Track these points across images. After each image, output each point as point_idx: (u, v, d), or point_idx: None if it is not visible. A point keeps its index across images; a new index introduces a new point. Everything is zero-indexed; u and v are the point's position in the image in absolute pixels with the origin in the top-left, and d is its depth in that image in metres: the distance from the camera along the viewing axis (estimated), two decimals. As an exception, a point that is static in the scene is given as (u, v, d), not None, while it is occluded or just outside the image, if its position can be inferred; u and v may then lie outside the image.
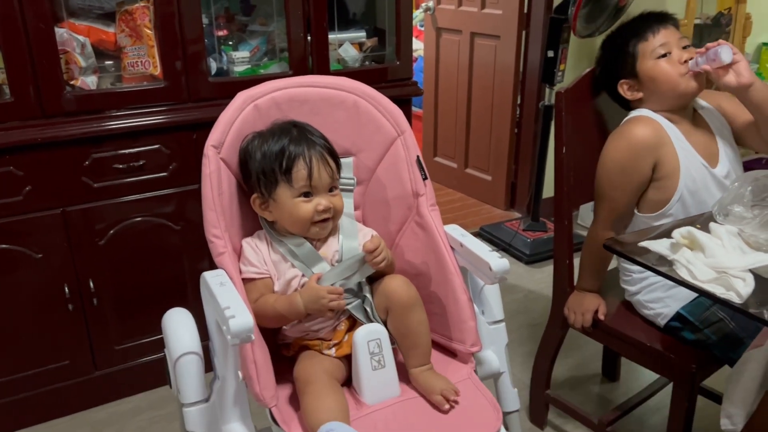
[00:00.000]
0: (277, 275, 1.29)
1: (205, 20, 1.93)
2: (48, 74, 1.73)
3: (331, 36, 2.13)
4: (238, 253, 1.31)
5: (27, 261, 1.81)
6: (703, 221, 1.39)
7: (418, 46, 4.03)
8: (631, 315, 1.69)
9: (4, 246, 1.78)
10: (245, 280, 1.27)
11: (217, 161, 1.28)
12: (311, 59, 2.08)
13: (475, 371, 1.34)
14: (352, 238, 1.35)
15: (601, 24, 2.79)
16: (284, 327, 1.31)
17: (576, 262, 1.75)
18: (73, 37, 1.79)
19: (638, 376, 2.19)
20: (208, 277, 1.21)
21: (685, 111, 1.62)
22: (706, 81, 1.57)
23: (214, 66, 2.02)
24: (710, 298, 1.20)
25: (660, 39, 1.58)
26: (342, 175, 1.39)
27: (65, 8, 1.81)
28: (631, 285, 1.68)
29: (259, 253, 1.30)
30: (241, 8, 2.17)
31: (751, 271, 1.20)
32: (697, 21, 3.34)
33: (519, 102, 3.37)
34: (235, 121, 1.31)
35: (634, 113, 1.63)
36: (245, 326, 1.07)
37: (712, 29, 3.43)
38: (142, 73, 1.90)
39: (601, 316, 1.68)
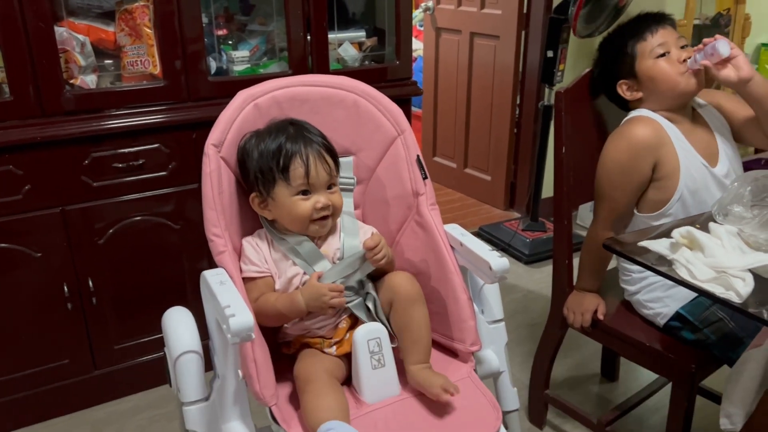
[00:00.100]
0: (278, 273, 1.29)
1: (204, 19, 1.93)
2: (47, 73, 1.73)
3: (331, 35, 2.13)
4: (238, 252, 1.31)
5: (26, 260, 1.81)
6: (702, 221, 1.39)
7: (417, 46, 4.03)
8: (630, 315, 1.69)
9: (3, 245, 1.78)
10: (246, 279, 1.27)
11: (218, 160, 1.28)
12: (311, 59, 2.08)
13: (475, 370, 1.34)
14: (354, 236, 1.35)
15: (600, 24, 2.79)
16: (285, 325, 1.31)
17: (575, 262, 1.75)
18: (72, 36, 1.79)
19: (637, 376, 2.19)
20: (208, 275, 1.21)
21: (685, 110, 1.62)
22: (706, 80, 1.58)
23: (213, 65, 2.02)
24: (710, 297, 1.21)
25: (658, 39, 1.58)
26: (342, 174, 1.39)
27: (65, 7, 1.81)
28: (630, 285, 1.68)
29: (259, 252, 1.30)
30: (241, 8, 2.17)
31: (750, 270, 1.20)
32: (696, 21, 3.34)
33: (518, 102, 3.38)
34: (236, 119, 1.31)
35: (633, 113, 1.64)
36: (245, 325, 1.07)
37: (711, 30, 3.43)
38: (142, 72, 1.90)
39: (601, 316, 1.68)
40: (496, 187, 3.60)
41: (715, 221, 1.36)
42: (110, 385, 2.06)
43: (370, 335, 1.24)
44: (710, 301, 1.51)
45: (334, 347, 1.29)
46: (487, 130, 3.55)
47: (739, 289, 1.16)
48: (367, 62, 2.31)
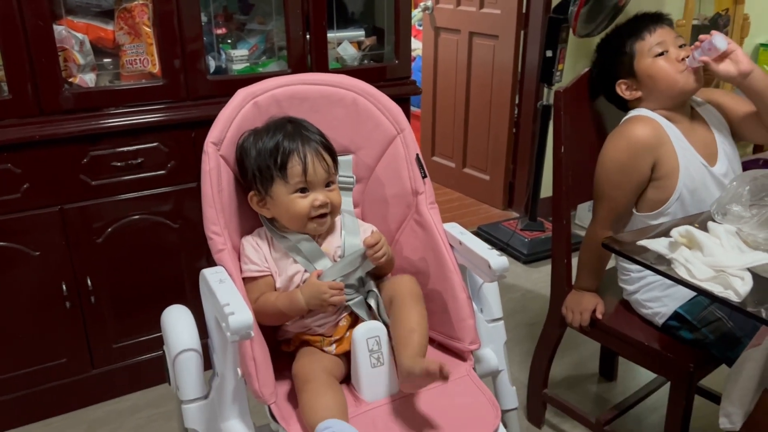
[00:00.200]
0: (278, 272, 1.29)
1: (203, 18, 1.93)
2: (46, 72, 1.73)
3: (330, 34, 2.14)
4: (238, 251, 1.31)
5: (25, 259, 1.81)
6: (701, 220, 1.39)
7: (416, 45, 4.03)
8: (629, 314, 1.69)
9: (1, 244, 1.77)
10: (246, 279, 1.27)
11: (217, 158, 1.28)
12: (310, 58, 2.08)
13: (474, 369, 1.34)
14: (354, 235, 1.35)
15: (599, 24, 2.79)
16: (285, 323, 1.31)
17: (574, 261, 1.75)
18: (71, 35, 1.79)
19: (636, 376, 2.19)
20: (208, 274, 1.21)
21: (684, 109, 1.62)
22: (705, 79, 1.58)
23: (212, 64, 2.02)
24: (708, 296, 1.21)
25: (657, 38, 1.59)
26: (341, 173, 1.39)
27: (64, 5, 1.81)
28: (629, 284, 1.68)
29: (259, 251, 1.29)
30: (240, 7, 2.17)
31: (749, 269, 1.21)
32: (695, 22, 3.34)
33: (517, 102, 3.38)
34: (235, 118, 1.31)
35: (633, 113, 1.64)
36: (245, 323, 1.07)
37: (710, 30, 3.43)
38: (141, 71, 1.90)
39: (599, 316, 1.68)
40: (494, 186, 3.60)
41: (713, 220, 1.37)
42: (108, 384, 2.06)
43: (370, 333, 1.24)
44: (708, 300, 1.52)
45: (334, 345, 1.28)
46: (485, 129, 3.55)
47: (738, 288, 1.16)
48: (366, 61, 2.31)
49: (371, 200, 1.46)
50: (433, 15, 3.70)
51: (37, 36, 1.69)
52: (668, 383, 1.59)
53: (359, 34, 2.30)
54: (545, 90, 2.95)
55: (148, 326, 2.03)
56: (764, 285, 1.19)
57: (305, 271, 1.28)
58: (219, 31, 2.07)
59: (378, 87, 1.45)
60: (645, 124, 1.57)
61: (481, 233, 3.25)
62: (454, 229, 1.38)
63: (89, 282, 1.91)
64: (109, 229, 1.90)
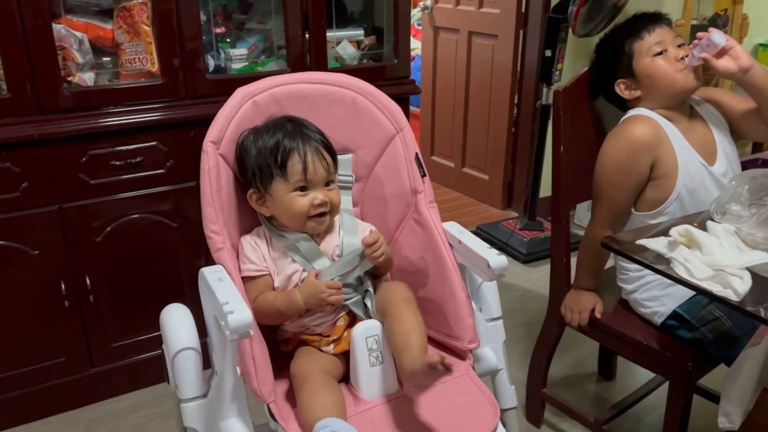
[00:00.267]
0: (276, 271, 1.29)
1: (202, 17, 1.93)
2: (45, 70, 1.72)
3: (329, 34, 2.13)
4: (237, 249, 1.31)
5: (23, 257, 1.81)
6: (700, 220, 1.39)
7: (415, 45, 4.02)
8: (627, 313, 1.69)
9: (0, 242, 1.77)
10: (245, 279, 1.27)
11: (216, 157, 1.28)
12: (309, 57, 2.08)
13: (473, 368, 1.34)
14: (353, 234, 1.35)
15: (598, 23, 2.80)
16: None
17: (573, 261, 1.75)
18: (70, 34, 1.79)
19: (634, 375, 2.20)
20: (207, 272, 1.21)
21: (683, 108, 1.63)
22: (704, 78, 1.58)
23: (211, 63, 2.02)
24: (707, 295, 1.21)
25: (655, 37, 1.59)
26: (340, 172, 1.39)
27: (63, 4, 1.80)
28: (627, 283, 1.68)
29: (258, 251, 1.29)
30: (239, 6, 2.17)
31: (748, 269, 1.21)
32: (694, 22, 3.35)
33: (516, 101, 3.38)
34: (234, 117, 1.31)
35: (632, 112, 1.64)
36: (244, 321, 1.07)
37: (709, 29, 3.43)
38: (140, 70, 1.89)
39: (598, 315, 1.68)
40: (493, 186, 3.60)
41: (713, 220, 1.37)
42: (107, 383, 2.05)
43: (369, 332, 1.24)
44: (707, 299, 1.52)
45: (332, 345, 1.28)
46: (485, 129, 3.55)
47: (737, 287, 1.16)
48: (365, 61, 2.31)
49: (370, 199, 1.46)
50: (432, 14, 3.71)
51: (36, 35, 1.69)
52: (667, 382, 1.59)
53: (358, 33, 2.30)
54: (544, 89, 2.95)
55: (147, 325, 2.03)
56: (763, 284, 1.19)
57: (303, 270, 1.28)
58: (218, 30, 2.07)
59: (377, 86, 1.45)
60: (644, 124, 1.57)
61: (480, 233, 3.25)
62: (454, 228, 1.38)
63: (88, 281, 1.91)
64: (108, 228, 1.90)
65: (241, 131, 1.32)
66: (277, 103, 1.36)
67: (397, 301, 1.26)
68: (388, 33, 2.28)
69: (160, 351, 1.31)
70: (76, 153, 1.81)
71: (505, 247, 3.08)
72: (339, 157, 1.37)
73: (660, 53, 1.58)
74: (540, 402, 1.93)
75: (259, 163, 1.26)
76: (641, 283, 1.64)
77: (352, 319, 1.30)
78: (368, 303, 1.30)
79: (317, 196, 1.26)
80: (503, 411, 1.42)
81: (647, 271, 1.57)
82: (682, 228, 1.29)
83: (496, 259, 1.27)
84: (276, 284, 1.29)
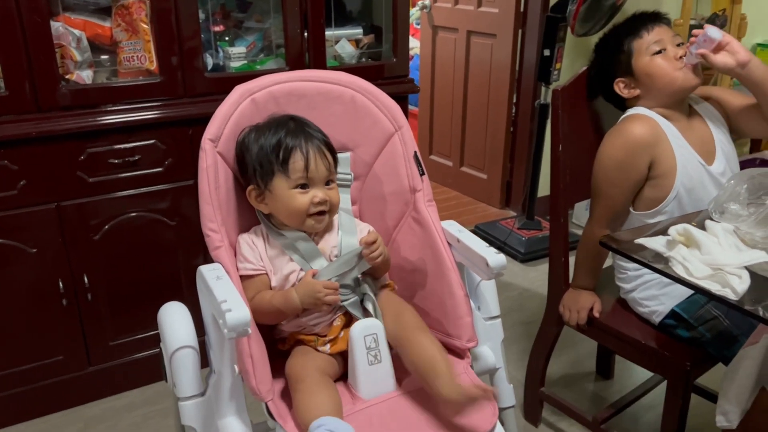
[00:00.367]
0: (273, 270, 1.29)
1: (201, 16, 1.93)
2: (43, 68, 1.72)
3: (328, 32, 2.13)
4: (235, 248, 1.31)
5: (21, 256, 1.81)
6: (699, 219, 1.39)
7: (414, 44, 4.03)
8: (626, 313, 1.70)
9: (-2, 240, 1.77)
10: (242, 277, 1.27)
11: (214, 155, 1.27)
12: (308, 55, 2.08)
13: (471, 366, 1.34)
14: (351, 235, 1.34)
15: (597, 22, 2.80)
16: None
17: (571, 260, 1.75)
18: (68, 31, 1.78)
19: (632, 374, 2.20)
20: (205, 270, 1.21)
21: (682, 107, 1.63)
22: (703, 76, 1.58)
23: (210, 61, 2.01)
24: (706, 294, 1.21)
25: (654, 36, 1.59)
26: (339, 170, 1.39)
27: (61, 2, 1.80)
28: (626, 283, 1.68)
29: (255, 250, 1.29)
30: (237, 4, 2.16)
31: (746, 268, 1.21)
32: (692, 22, 3.35)
33: (515, 100, 3.38)
34: (232, 114, 1.31)
35: (631, 111, 1.64)
36: (242, 320, 1.07)
37: (707, 29, 3.43)
38: (138, 68, 1.89)
39: (596, 314, 1.68)
40: (492, 185, 3.60)
41: (711, 219, 1.37)
42: (105, 382, 2.05)
43: (367, 331, 1.23)
44: (705, 299, 1.52)
45: (328, 345, 1.28)
46: (483, 128, 3.55)
47: (736, 286, 1.16)
48: (364, 59, 2.31)
49: (369, 197, 1.46)
50: (431, 13, 3.70)
51: (35, 32, 1.69)
52: (665, 381, 1.59)
53: (357, 32, 2.30)
54: (543, 89, 2.96)
55: (145, 324, 2.03)
56: (761, 283, 1.19)
57: (301, 269, 1.28)
58: (217, 29, 2.06)
59: (376, 85, 1.45)
60: (642, 123, 1.57)
61: (478, 232, 3.25)
62: (452, 227, 1.38)
63: (86, 279, 1.90)
64: (106, 227, 1.90)
65: (239, 129, 1.31)
66: (275, 101, 1.36)
67: (411, 327, 1.26)
68: (387, 32, 2.28)
69: (158, 349, 1.31)
70: (74, 151, 1.81)
71: (503, 246, 3.08)
72: (338, 155, 1.37)
73: (659, 52, 1.58)
74: (538, 401, 1.93)
75: (261, 160, 1.26)
76: (639, 282, 1.64)
77: (349, 320, 1.30)
78: (369, 308, 1.29)
79: (317, 194, 1.26)
80: (501, 410, 1.42)
81: (645, 270, 1.57)
82: (680, 227, 1.29)
83: (495, 257, 1.27)
84: (273, 283, 1.29)
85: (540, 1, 3.09)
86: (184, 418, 1.23)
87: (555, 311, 1.78)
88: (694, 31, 1.52)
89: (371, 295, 1.31)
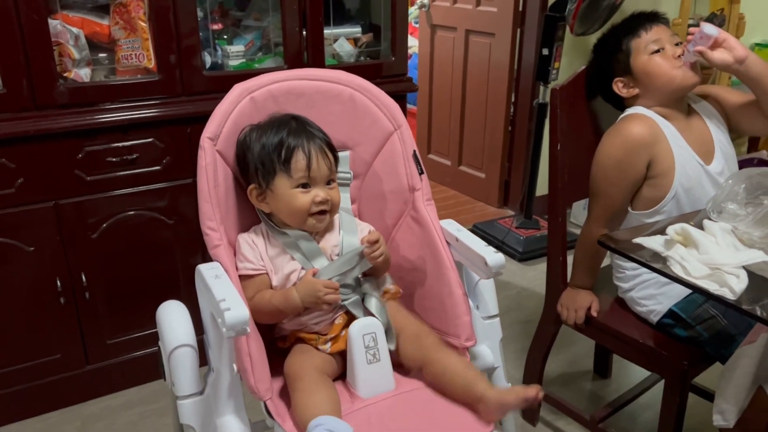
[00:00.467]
0: (274, 270, 1.29)
1: (199, 14, 1.92)
2: (41, 66, 1.72)
3: (327, 31, 2.13)
4: (234, 246, 1.31)
5: (19, 254, 1.80)
6: (697, 219, 1.39)
7: (412, 43, 4.03)
8: (623, 312, 1.70)
9: (-5, 238, 1.77)
10: (242, 277, 1.27)
11: (213, 153, 1.27)
12: (306, 54, 2.08)
13: (470, 366, 1.34)
14: (352, 234, 1.35)
15: (595, 21, 2.80)
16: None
17: (569, 259, 1.75)
18: (66, 29, 1.78)
19: (630, 373, 2.20)
20: (204, 269, 1.21)
21: (681, 106, 1.63)
22: (702, 75, 1.58)
23: (208, 60, 2.01)
24: (704, 294, 1.21)
25: (652, 35, 1.59)
26: (338, 169, 1.39)
27: (59, 0, 1.80)
28: (624, 282, 1.69)
29: (255, 249, 1.29)
30: (236, 3, 2.16)
31: (744, 267, 1.21)
32: (691, 21, 3.35)
33: (513, 100, 3.38)
34: (231, 113, 1.31)
35: (629, 111, 1.64)
36: (240, 319, 1.07)
37: (705, 29, 3.43)
38: (136, 66, 1.89)
39: (594, 313, 1.68)
40: (490, 184, 3.60)
41: (709, 218, 1.37)
42: (102, 380, 2.05)
43: (366, 330, 1.23)
44: (703, 298, 1.52)
45: (329, 344, 1.28)
46: (481, 127, 3.55)
47: (733, 285, 1.17)
48: (362, 58, 2.31)
49: (368, 196, 1.46)
50: (430, 12, 3.70)
51: (32, 30, 1.68)
52: (662, 381, 1.59)
53: (356, 30, 2.30)
54: (541, 88, 2.96)
55: (143, 322, 2.03)
56: (759, 283, 1.20)
57: (302, 268, 1.28)
58: (215, 27, 2.06)
59: (374, 84, 1.45)
60: (641, 122, 1.57)
61: (476, 231, 3.25)
62: (451, 226, 1.38)
63: (84, 278, 1.90)
64: (104, 225, 1.89)
65: (238, 128, 1.31)
66: (274, 99, 1.36)
67: (433, 347, 1.27)
68: (386, 30, 2.28)
69: (155, 348, 1.31)
70: (72, 149, 1.80)
71: (501, 245, 3.08)
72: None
73: (657, 51, 1.58)
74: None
75: (263, 159, 1.26)
76: (637, 281, 1.64)
77: (351, 319, 1.29)
78: (372, 308, 1.29)
79: (319, 193, 1.26)
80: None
81: (643, 270, 1.57)
82: (678, 226, 1.30)
83: (494, 256, 1.27)
84: (274, 283, 1.29)
85: (539, 0, 3.09)
86: (182, 416, 1.23)
87: (553, 310, 1.78)
88: (691, 29, 1.52)
89: (372, 294, 1.31)
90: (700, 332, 1.54)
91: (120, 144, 1.86)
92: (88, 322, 1.96)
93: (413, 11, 4.18)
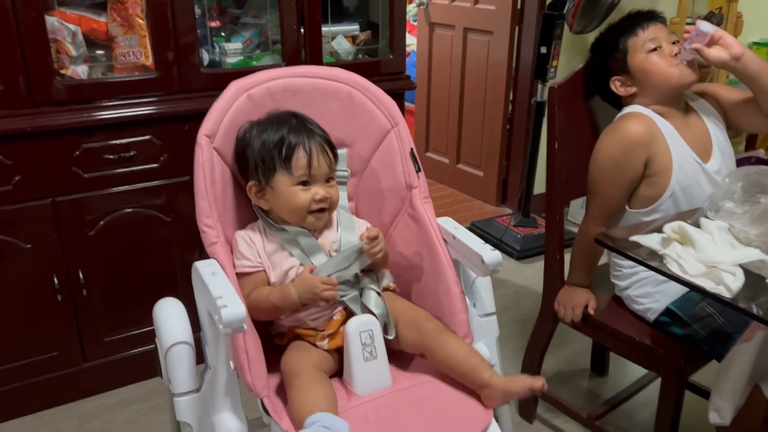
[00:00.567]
0: (272, 267, 1.29)
1: (197, 11, 1.92)
2: (38, 63, 1.71)
3: (325, 29, 2.13)
4: (230, 244, 1.31)
5: (16, 251, 1.80)
6: (695, 218, 1.39)
7: (411, 41, 4.02)
8: (620, 310, 1.70)
9: (-8, 236, 1.76)
10: (239, 275, 1.27)
11: (210, 150, 1.27)
12: (304, 52, 2.08)
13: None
14: (350, 231, 1.35)
15: (593, 19, 2.80)
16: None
17: (567, 257, 1.75)
18: (63, 26, 1.78)
19: (627, 371, 2.20)
20: (200, 266, 1.21)
21: (678, 104, 1.63)
22: (700, 74, 1.58)
23: (206, 57, 2.01)
24: (700, 292, 1.21)
25: (649, 34, 1.59)
26: (336, 167, 1.39)
27: (56, -4, 1.80)
28: (621, 280, 1.69)
29: (252, 246, 1.29)
30: (234, 0, 2.16)
31: (740, 265, 1.21)
32: (689, 20, 3.35)
33: (511, 98, 3.38)
34: (229, 110, 1.31)
35: (627, 109, 1.64)
36: (237, 316, 1.07)
37: (703, 27, 3.43)
38: (134, 63, 1.88)
39: (591, 311, 1.69)
40: (488, 182, 3.60)
41: (706, 217, 1.37)
42: (100, 378, 2.05)
43: (363, 327, 1.24)
44: (700, 296, 1.52)
45: (327, 340, 1.28)
46: (479, 125, 3.55)
47: (730, 284, 1.17)
48: (360, 56, 2.30)
49: (365, 194, 1.46)
50: (428, 10, 3.70)
51: (29, 27, 1.68)
52: (659, 379, 1.60)
53: (354, 28, 2.29)
54: (539, 86, 2.96)
55: (140, 320, 2.03)
56: (755, 281, 1.20)
57: (301, 265, 1.28)
58: (213, 24, 2.06)
59: (372, 81, 1.45)
60: (639, 121, 1.57)
61: (474, 229, 3.25)
62: (448, 224, 1.38)
63: (81, 275, 1.90)
64: (102, 222, 1.89)
65: (235, 125, 1.31)
66: (271, 96, 1.36)
67: (436, 333, 1.27)
68: (384, 28, 2.28)
69: (152, 345, 1.31)
70: (69, 146, 1.80)
71: (499, 243, 3.08)
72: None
73: (654, 49, 1.58)
74: (533, 398, 1.93)
75: (263, 156, 1.26)
76: (634, 279, 1.65)
77: (349, 315, 1.30)
78: (368, 302, 1.29)
79: (318, 191, 1.27)
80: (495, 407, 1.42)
81: (640, 268, 1.57)
82: (675, 224, 1.30)
83: (491, 254, 1.27)
84: (272, 279, 1.29)
85: (537, -1, 3.09)
86: (179, 413, 1.23)
87: (550, 308, 1.78)
88: (687, 27, 1.53)
89: (371, 290, 1.31)
90: (697, 330, 1.54)
91: (117, 141, 1.86)
92: (85, 320, 1.96)
93: (411, 9, 4.18)
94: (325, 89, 1.40)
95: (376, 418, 1.18)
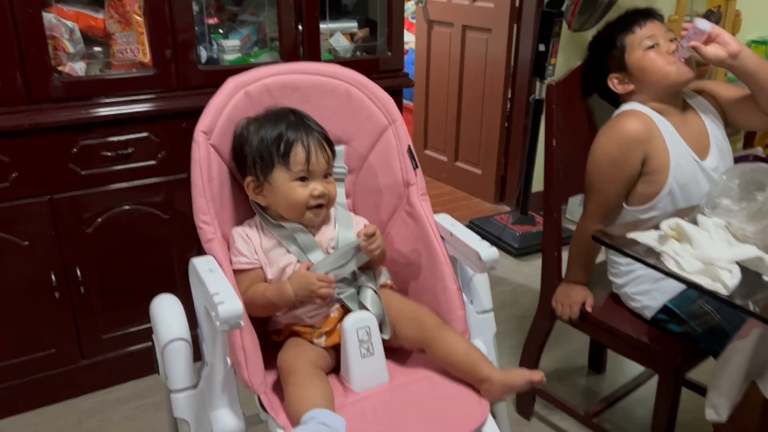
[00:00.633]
0: (269, 263, 1.29)
1: (195, 8, 1.92)
2: (35, 60, 1.71)
3: (323, 26, 2.13)
4: (228, 240, 1.31)
5: (13, 248, 1.80)
6: (692, 215, 1.39)
7: (409, 38, 4.02)
8: (618, 307, 1.70)
9: (-10, 233, 1.76)
10: (236, 271, 1.27)
11: (207, 147, 1.27)
12: (302, 49, 2.08)
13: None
14: (348, 228, 1.35)
15: (590, 17, 2.80)
16: (276, 313, 1.31)
17: (564, 255, 1.76)
18: (61, 23, 1.77)
19: (624, 369, 2.21)
20: (197, 263, 1.21)
21: (676, 101, 1.63)
22: (698, 71, 1.58)
23: (204, 54, 2.01)
24: (697, 289, 1.21)
25: (647, 31, 1.59)
26: (335, 164, 1.39)
27: (53, -7, 1.79)
28: (618, 277, 1.69)
29: (249, 243, 1.29)
30: (232, -3, 2.16)
31: (737, 263, 1.21)
32: (687, 18, 3.35)
33: (510, 95, 3.38)
34: (226, 107, 1.31)
35: (624, 107, 1.64)
36: (234, 312, 1.07)
37: (701, 25, 3.43)
38: (131, 60, 1.88)
39: (589, 309, 1.69)
40: (486, 180, 3.60)
41: (703, 214, 1.37)
42: (97, 375, 2.05)
43: (360, 323, 1.24)
44: (697, 294, 1.53)
45: (324, 337, 1.28)
46: (478, 123, 3.55)
47: (726, 281, 1.17)
48: (358, 53, 2.30)
49: (363, 191, 1.46)
50: (426, 8, 3.70)
51: (26, 24, 1.67)
52: (656, 376, 1.60)
53: (352, 25, 2.29)
54: (537, 84, 2.96)
55: (138, 317, 2.03)
56: (752, 278, 1.20)
57: (298, 261, 1.28)
58: (211, 21, 2.06)
59: (370, 79, 1.45)
60: (636, 119, 1.58)
61: (472, 227, 3.25)
62: (445, 221, 1.38)
63: (78, 272, 1.90)
64: (99, 220, 1.89)
65: (232, 122, 1.31)
66: (269, 93, 1.36)
67: (434, 327, 1.27)
68: (382, 26, 2.28)
69: (150, 343, 1.31)
70: (66, 143, 1.80)
71: (497, 241, 3.08)
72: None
73: (652, 47, 1.58)
74: (530, 395, 1.93)
75: (261, 152, 1.26)
76: (632, 277, 1.65)
77: (346, 313, 1.29)
78: (365, 299, 1.29)
79: (317, 187, 1.27)
80: (493, 403, 1.42)
81: (638, 265, 1.57)
82: (672, 222, 1.30)
83: (488, 251, 1.27)
84: (269, 276, 1.29)
85: (535, -4, 3.09)
86: (176, 410, 1.23)
87: (548, 306, 1.78)
88: (684, 25, 1.53)
89: (368, 288, 1.31)
90: (694, 328, 1.54)
91: (115, 138, 1.86)
92: (83, 317, 1.96)
93: (410, 7, 4.18)
94: (323, 86, 1.40)
95: (373, 415, 1.18)
